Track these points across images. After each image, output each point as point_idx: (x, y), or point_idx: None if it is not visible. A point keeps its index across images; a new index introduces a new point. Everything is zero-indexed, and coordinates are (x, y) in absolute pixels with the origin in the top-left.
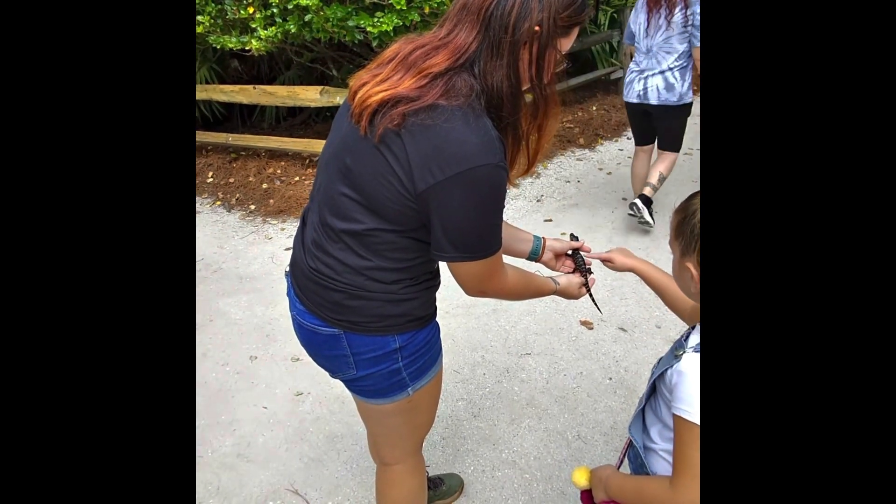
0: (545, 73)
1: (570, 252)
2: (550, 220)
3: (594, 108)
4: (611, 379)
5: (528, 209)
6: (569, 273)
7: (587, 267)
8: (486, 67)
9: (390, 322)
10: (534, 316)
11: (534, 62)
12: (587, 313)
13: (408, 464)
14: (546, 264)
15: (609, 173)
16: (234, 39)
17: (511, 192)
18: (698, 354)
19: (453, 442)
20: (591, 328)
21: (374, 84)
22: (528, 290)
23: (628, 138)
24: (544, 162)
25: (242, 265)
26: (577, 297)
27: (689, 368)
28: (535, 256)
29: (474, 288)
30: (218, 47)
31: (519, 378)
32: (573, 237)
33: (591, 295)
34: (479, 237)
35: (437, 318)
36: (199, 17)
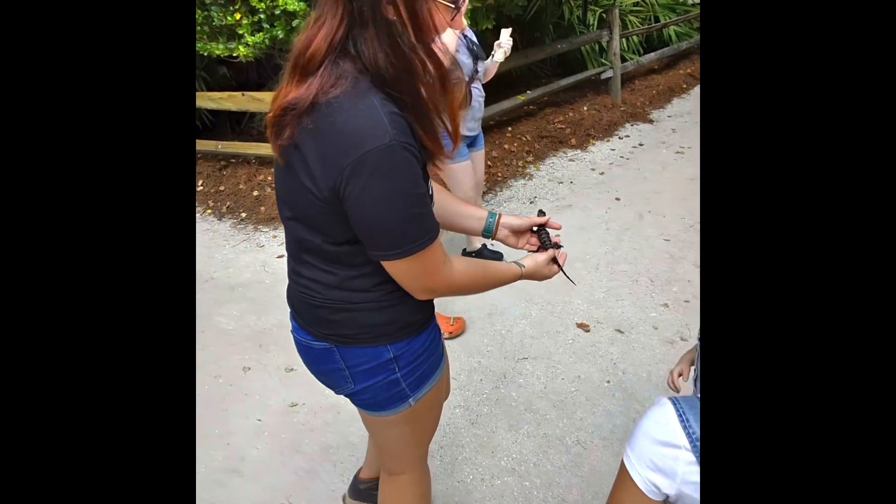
0: (424, 30)
1: (535, 229)
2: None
3: (585, 108)
4: (609, 382)
5: (520, 211)
6: (533, 251)
7: (555, 242)
8: (359, 43)
9: (380, 331)
10: (529, 319)
11: (407, 21)
12: (583, 315)
13: (414, 474)
14: (504, 241)
15: (602, 173)
16: (221, 46)
17: (504, 193)
18: None
19: (451, 450)
20: (588, 331)
21: (272, 102)
22: (487, 279)
23: (620, 138)
24: (536, 163)
25: (234, 274)
26: (549, 276)
27: None
28: (488, 234)
29: (418, 288)
30: (205, 54)
31: (516, 383)
32: (540, 213)
33: (562, 270)
34: (398, 229)
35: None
36: None
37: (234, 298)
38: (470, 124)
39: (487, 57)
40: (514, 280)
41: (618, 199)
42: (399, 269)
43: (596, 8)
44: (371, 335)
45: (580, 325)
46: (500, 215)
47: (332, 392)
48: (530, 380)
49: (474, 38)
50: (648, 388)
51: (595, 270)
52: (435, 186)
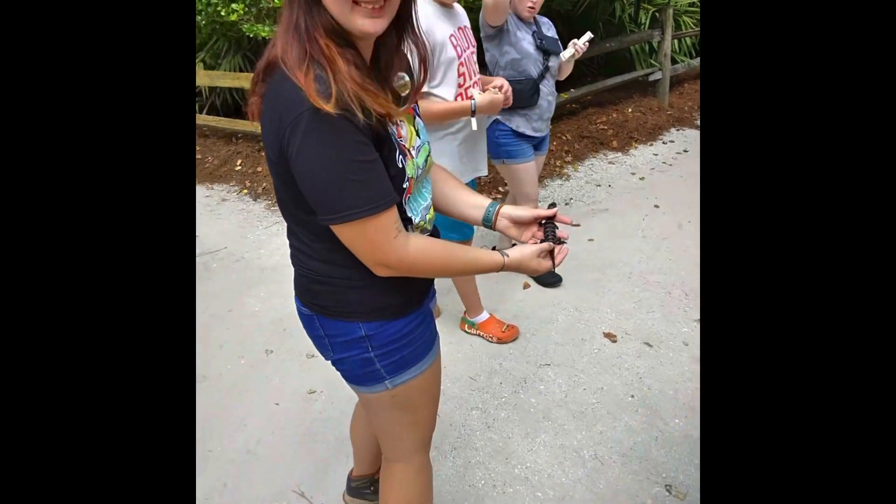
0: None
1: (543, 222)
2: (578, 225)
3: (630, 110)
4: (633, 396)
5: None
6: (536, 244)
7: (560, 238)
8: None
9: (353, 308)
10: (555, 325)
11: None
12: (611, 325)
13: (411, 464)
14: (505, 233)
15: (642, 178)
16: (267, 28)
17: (540, 193)
18: None
19: (464, 453)
20: (615, 341)
21: None
22: (455, 263)
23: (664, 143)
24: (575, 164)
25: (264, 256)
26: (539, 271)
27: None
28: (487, 223)
29: (370, 261)
30: (251, 36)
31: (536, 389)
32: (551, 205)
33: (554, 267)
34: (333, 193)
35: (452, 323)
36: (233, 6)
37: (263, 280)
38: (536, 124)
39: (560, 53)
40: (495, 269)
41: (657, 206)
42: (345, 237)
43: (649, 7)
44: (344, 311)
45: (607, 335)
46: (501, 204)
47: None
48: (551, 387)
49: (550, 32)
50: (674, 406)
51: (627, 279)
52: (437, 170)
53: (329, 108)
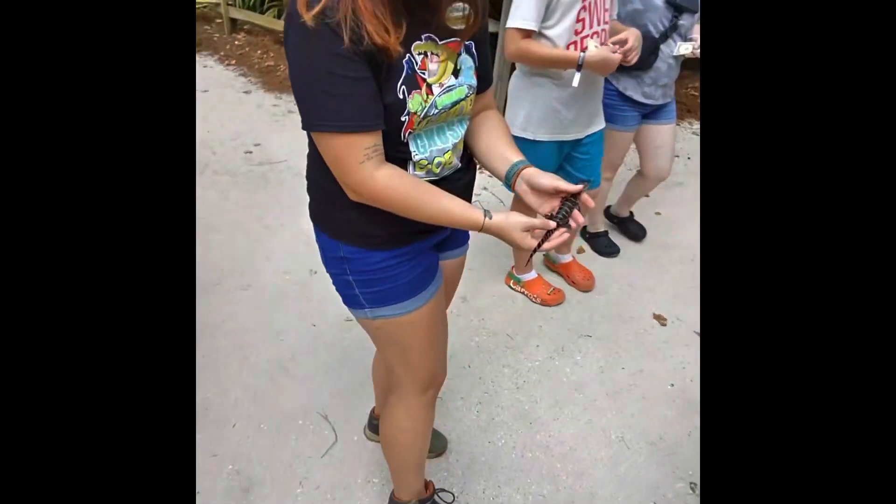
0: None
1: (566, 197)
2: (647, 196)
3: None
4: (672, 385)
5: (624, 179)
6: (546, 217)
7: (570, 220)
8: None
9: (336, 227)
10: (605, 296)
11: None
12: (663, 307)
13: (404, 401)
14: (523, 198)
15: None
16: None
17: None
18: None
19: (489, 409)
20: (664, 325)
21: None
22: (421, 208)
23: None
24: None
25: None
26: (521, 246)
27: None
28: (508, 183)
29: (336, 175)
30: None
31: (573, 360)
32: (581, 181)
33: (536, 250)
34: (305, 99)
35: (498, 277)
36: None
37: None
38: (648, 89)
39: (697, 13)
40: (471, 228)
41: None
42: (319, 146)
43: None
44: (329, 227)
45: (657, 317)
46: (526, 165)
47: None
48: (588, 360)
49: None
50: None
51: (689, 262)
52: (490, 117)
53: (308, 17)
